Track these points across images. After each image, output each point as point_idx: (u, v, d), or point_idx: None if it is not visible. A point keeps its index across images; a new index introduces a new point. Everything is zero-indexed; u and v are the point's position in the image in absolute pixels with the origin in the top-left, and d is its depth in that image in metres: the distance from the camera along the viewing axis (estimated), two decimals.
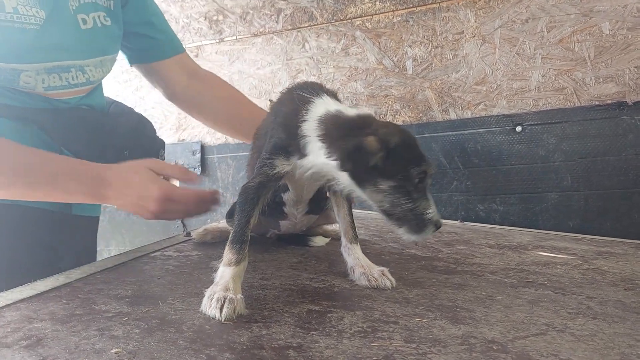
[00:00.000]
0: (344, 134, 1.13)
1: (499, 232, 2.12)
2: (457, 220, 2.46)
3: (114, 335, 0.88)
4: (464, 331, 0.94)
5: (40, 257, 1.45)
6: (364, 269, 1.24)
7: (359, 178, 1.13)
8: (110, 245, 3.43)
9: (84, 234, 1.72)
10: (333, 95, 1.29)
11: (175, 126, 3.26)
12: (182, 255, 1.51)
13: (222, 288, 1.03)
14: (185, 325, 0.94)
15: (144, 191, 1.30)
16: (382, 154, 1.09)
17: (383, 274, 1.22)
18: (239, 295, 1.03)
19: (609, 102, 2.24)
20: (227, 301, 0.99)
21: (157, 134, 1.83)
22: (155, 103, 3.28)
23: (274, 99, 2.90)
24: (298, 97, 1.24)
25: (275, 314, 1.01)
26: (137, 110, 1.81)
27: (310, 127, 1.18)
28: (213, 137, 3.17)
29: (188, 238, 1.75)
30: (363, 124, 1.15)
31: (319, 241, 1.69)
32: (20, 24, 1.37)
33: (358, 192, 1.17)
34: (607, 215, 2.27)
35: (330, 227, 1.79)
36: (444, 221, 2.40)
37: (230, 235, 1.15)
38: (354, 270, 1.26)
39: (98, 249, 1.88)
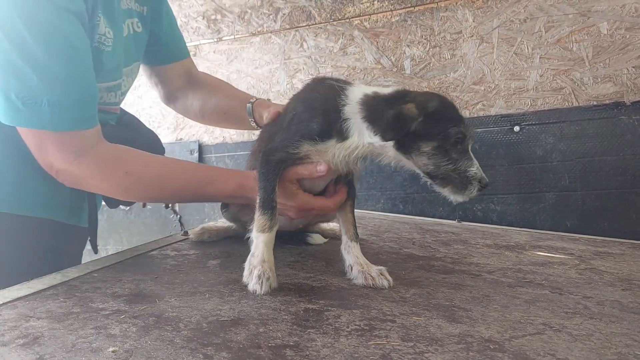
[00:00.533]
0: (386, 109, 1.17)
1: (496, 232, 2.12)
2: (455, 220, 2.47)
3: (110, 333, 0.88)
4: (461, 330, 0.94)
5: (45, 261, 1.44)
6: (362, 268, 1.24)
7: (404, 146, 1.18)
8: (108, 244, 3.43)
9: (81, 241, 1.71)
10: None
11: (173, 125, 3.25)
12: (179, 254, 1.51)
13: (259, 261, 1.15)
14: (183, 323, 0.94)
15: (285, 201, 1.32)
16: (421, 118, 1.14)
17: (381, 274, 1.22)
18: (273, 272, 1.15)
19: (607, 102, 2.25)
20: (265, 278, 1.11)
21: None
22: (153, 102, 3.27)
23: (271, 98, 2.90)
24: (332, 85, 1.28)
25: (272, 313, 1.01)
26: (134, 109, 1.80)
27: (353, 110, 1.22)
28: (211, 136, 3.17)
29: (185, 237, 1.75)
30: (401, 96, 1.20)
31: (318, 239, 1.69)
32: (104, 47, 1.38)
33: (405, 162, 1.23)
34: (605, 216, 2.27)
35: (328, 227, 1.78)
36: (442, 221, 2.41)
37: (259, 201, 1.22)
38: (352, 269, 1.26)
39: None
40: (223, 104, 1.82)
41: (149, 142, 1.70)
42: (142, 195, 1.43)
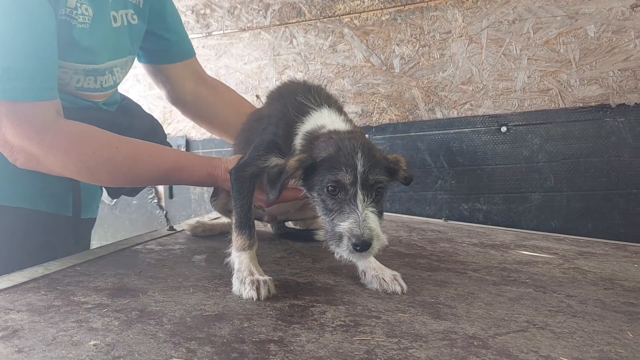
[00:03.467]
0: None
1: (482, 231, 2.13)
2: (442, 218, 2.47)
3: (92, 327, 0.87)
4: (445, 327, 0.94)
5: (39, 255, 1.41)
6: (376, 272, 1.20)
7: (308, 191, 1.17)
8: (92, 240, 3.38)
9: (82, 234, 1.69)
10: (334, 104, 1.30)
11: (160, 120, 3.20)
12: (164, 249, 1.50)
13: (248, 272, 1.12)
14: (166, 317, 0.93)
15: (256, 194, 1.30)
16: (301, 171, 1.11)
17: (395, 279, 1.18)
18: (268, 277, 1.11)
19: (593, 104, 2.26)
20: (261, 283, 1.07)
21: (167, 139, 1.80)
22: (140, 96, 3.24)
23: (260, 95, 2.89)
24: (300, 105, 1.26)
25: (257, 308, 1.00)
26: None
27: (298, 142, 1.22)
28: (198, 132, 3.14)
29: (171, 232, 1.73)
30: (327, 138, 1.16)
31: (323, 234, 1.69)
32: (75, 22, 1.33)
33: None
34: (589, 216, 2.30)
35: None
36: (428, 220, 2.42)
37: (235, 221, 1.21)
38: (365, 274, 1.22)
39: None
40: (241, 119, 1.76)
41: (148, 127, 1.68)
42: (109, 177, 1.36)
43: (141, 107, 1.78)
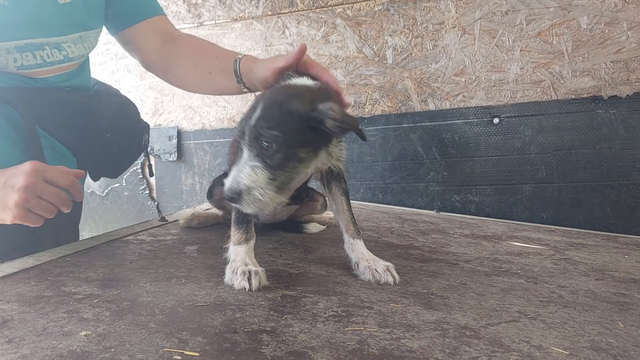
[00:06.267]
0: None
1: (474, 222, 2.14)
2: (434, 210, 2.48)
3: (83, 317, 0.86)
4: (437, 317, 0.94)
5: (23, 239, 1.38)
6: (368, 263, 1.20)
7: None
8: (83, 231, 3.37)
9: (67, 218, 1.66)
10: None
11: (152, 111, 3.20)
12: (155, 240, 1.49)
13: (241, 263, 1.10)
14: (158, 308, 0.92)
15: (13, 170, 1.18)
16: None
17: (387, 269, 1.17)
18: (261, 268, 1.10)
19: (585, 95, 2.27)
20: (252, 273, 1.06)
21: (141, 117, 1.78)
22: (131, 87, 3.22)
23: None
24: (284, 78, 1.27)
25: (249, 299, 1.00)
26: None
27: None
28: (190, 122, 3.12)
29: (162, 223, 1.72)
30: None
31: (313, 228, 1.68)
32: None
33: None
34: (580, 208, 2.31)
35: (327, 216, 1.77)
36: (420, 211, 2.42)
37: (234, 217, 1.21)
38: (358, 265, 1.21)
39: None
40: (207, 63, 1.64)
41: (118, 107, 1.65)
42: None
43: (112, 88, 1.74)
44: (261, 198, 1.05)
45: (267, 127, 1.05)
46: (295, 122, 1.06)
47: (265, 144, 1.05)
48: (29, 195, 1.16)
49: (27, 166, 1.18)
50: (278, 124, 1.05)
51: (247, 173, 1.05)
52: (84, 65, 1.65)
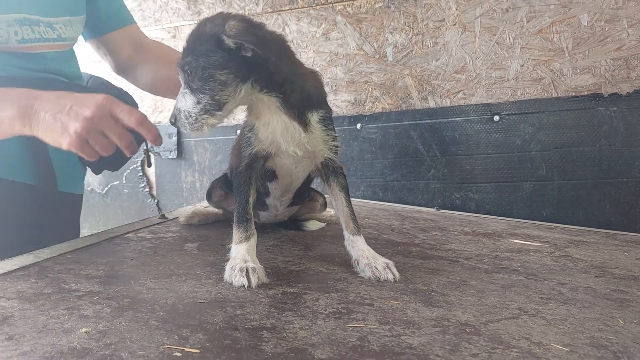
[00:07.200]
0: None
1: (474, 219, 2.14)
2: (434, 207, 2.48)
3: (83, 314, 0.86)
4: (438, 314, 0.94)
5: (25, 234, 1.39)
6: (368, 260, 1.19)
7: None
8: (83, 228, 3.36)
9: (68, 213, 1.67)
10: None
11: (152, 108, 3.20)
12: (156, 237, 1.49)
13: (241, 260, 1.11)
14: (158, 305, 0.92)
15: (82, 97, 1.18)
16: None
17: (387, 267, 1.17)
18: (260, 265, 1.10)
19: (585, 93, 2.27)
20: (251, 270, 1.07)
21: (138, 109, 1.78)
22: (128, 86, 3.21)
23: None
24: None
25: (250, 295, 1.00)
26: None
27: None
28: None
29: (163, 220, 1.73)
30: None
31: (312, 225, 1.68)
32: None
33: None
34: (580, 205, 2.31)
35: (327, 214, 1.77)
36: (420, 209, 2.42)
37: (235, 216, 1.22)
38: (358, 262, 1.21)
39: None
40: (173, 72, 1.72)
41: (118, 97, 1.65)
42: None
43: (107, 80, 1.76)
44: (192, 120, 1.17)
45: (184, 56, 1.16)
46: (204, 44, 1.13)
47: (188, 71, 1.15)
48: (92, 128, 1.17)
49: (98, 97, 1.20)
50: (192, 50, 1.15)
51: (179, 99, 1.18)
52: (73, 53, 1.67)
